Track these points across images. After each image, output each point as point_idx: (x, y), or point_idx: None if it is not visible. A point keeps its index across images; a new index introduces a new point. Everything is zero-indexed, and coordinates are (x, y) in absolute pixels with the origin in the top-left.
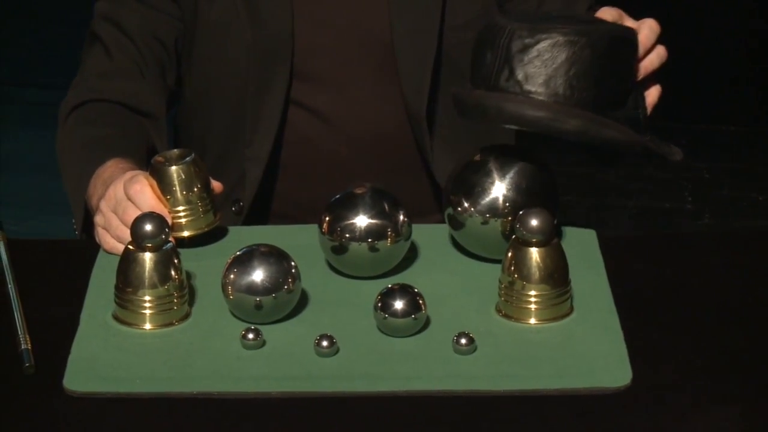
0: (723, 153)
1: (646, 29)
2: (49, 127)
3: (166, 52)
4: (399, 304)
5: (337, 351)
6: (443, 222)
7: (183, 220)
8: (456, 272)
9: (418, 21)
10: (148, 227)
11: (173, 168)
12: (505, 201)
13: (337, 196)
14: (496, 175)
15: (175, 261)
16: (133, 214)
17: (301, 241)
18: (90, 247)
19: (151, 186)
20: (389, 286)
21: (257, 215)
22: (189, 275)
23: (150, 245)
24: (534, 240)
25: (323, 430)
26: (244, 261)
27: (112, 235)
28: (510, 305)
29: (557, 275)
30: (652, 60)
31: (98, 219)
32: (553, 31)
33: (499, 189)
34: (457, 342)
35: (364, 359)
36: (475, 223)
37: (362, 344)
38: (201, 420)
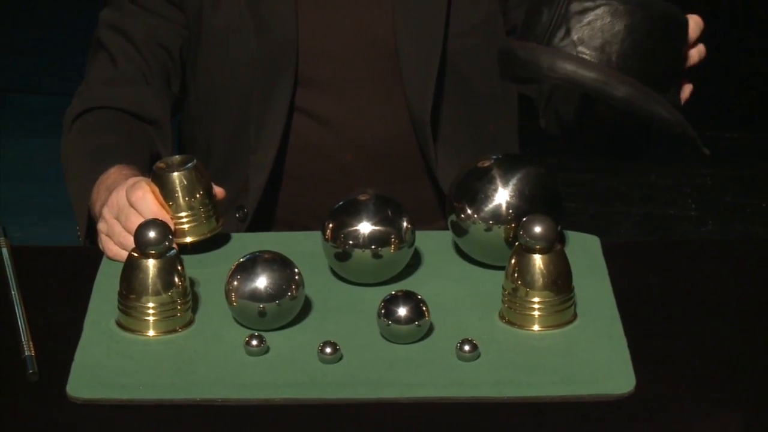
0: (726, 160)
1: (692, 23)
2: (53, 135)
3: (171, 59)
4: (402, 311)
5: (341, 358)
6: (448, 228)
7: (185, 226)
8: (459, 279)
9: (423, 27)
10: (152, 234)
11: (175, 174)
12: (508, 208)
13: (341, 203)
14: (499, 182)
15: (179, 268)
16: (136, 220)
17: (305, 247)
18: (94, 254)
19: (153, 192)
20: (393, 292)
21: (261, 222)
22: (192, 282)
23: (153, 252)
24: (537, 247)
25: None
26: (247, 268)
27: (115, 241)
28: (513, 312)
29: (560, 282)
30: (693, 55)
31: (101, 226)
32: None
33: (502, 196)
34: (461, 349)
35: (368, 366)
36: (479, 230)
37: (366, 351)
38: (204, 427)
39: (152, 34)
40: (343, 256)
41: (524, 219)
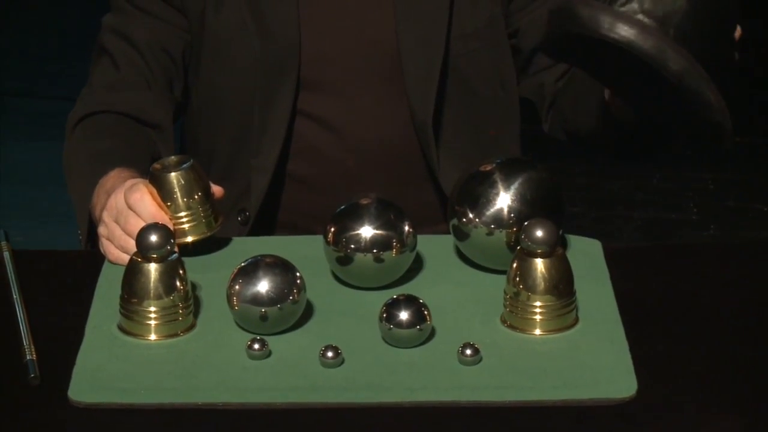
0: (728, 164)
1: None
2: (55, 139)
3: (174, 64)
4: (404, 315)
5: (342, 362)
6: (449, 232)
7: (185, 226)
8: (461, 283)
9: (425, 31)
10: (154, 238)
11: (172, 174)
12: (510, 212)
13: (342, 207)
14: (501, 186)
15: (181, 272)
16: (135, 223)
17: (307, 251)
18: (95, 258)
19: (152, 194)
20: (394, 296)
21: (263, 225)
22: (194, 286)
23: (155, 256)
24: (539, 251)
25: None
26: (249, 272)
27: (116, 245)
28: (515, 316)
29: (562, 286)
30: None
31: (102, 230)
32: None
33: (504, 200)
34: (462, 353)
35: (370, 370)
36: (480, 234)
37: (367, 355)
38: (206, 431)
39: (155, 38)
40: (344, 260)
41: (526, 223)
